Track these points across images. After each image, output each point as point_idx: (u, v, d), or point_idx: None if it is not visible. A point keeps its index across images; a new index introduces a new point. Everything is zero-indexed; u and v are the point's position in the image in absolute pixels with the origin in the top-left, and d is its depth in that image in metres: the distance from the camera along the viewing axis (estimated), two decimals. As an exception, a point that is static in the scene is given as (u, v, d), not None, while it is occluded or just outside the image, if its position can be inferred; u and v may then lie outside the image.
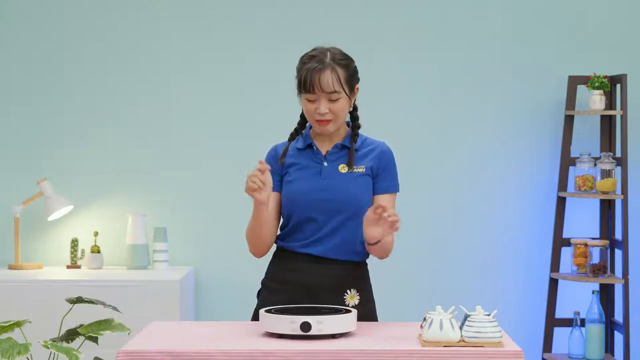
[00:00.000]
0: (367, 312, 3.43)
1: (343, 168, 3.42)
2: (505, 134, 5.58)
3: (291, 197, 3.41)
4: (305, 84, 3.33)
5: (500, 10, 5.57)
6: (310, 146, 3.45)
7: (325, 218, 3.39)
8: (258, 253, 3.46)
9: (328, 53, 3.37)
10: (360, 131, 3.49)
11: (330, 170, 3.42)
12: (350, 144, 3.44)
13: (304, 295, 3.39)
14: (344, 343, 2.98)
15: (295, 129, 3.50)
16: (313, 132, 3.47)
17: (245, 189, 3.25)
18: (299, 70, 3.39)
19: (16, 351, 3.41)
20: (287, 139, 3.51)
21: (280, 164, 3.45)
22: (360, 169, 3.43)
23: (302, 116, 3.48)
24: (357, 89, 3.45)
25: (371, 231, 3.25)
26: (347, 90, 3.37)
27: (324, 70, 3.32)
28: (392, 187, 3.46)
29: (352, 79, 3.40)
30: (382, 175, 3.44)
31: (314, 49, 3.41)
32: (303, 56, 3.41)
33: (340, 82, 3.34)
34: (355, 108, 3.48)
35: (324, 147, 3.45)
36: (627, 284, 5.24)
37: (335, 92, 3.33)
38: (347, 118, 3.48)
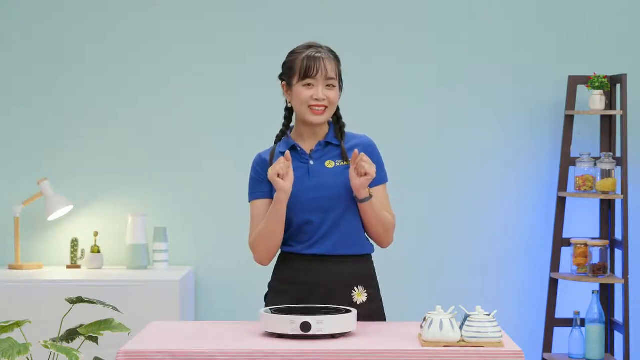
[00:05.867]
0: (375, 310, 3.44)
1: (330, 164, 3.43)
2: (505, 134, 5.58)
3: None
4: (309, 69, 3.38)
5: (500, 10, 5.57)
6: (294, 147, 3.46)
7: (322, 217, 3.39)
8: (267, 259, 3.44)
9: (322, 46, 3.45)
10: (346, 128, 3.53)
11: (318, 167, 3.43)
12: (339, 140, 3.45)
13: (311, 294, 3.39)
14: (344, 343, 2.98)
15: (281, 130, 3.52)
16: (294, 133, 3.49)
17: (269, 174, 3.29)
18: (295, 59, 3.42)
19: (16, 351, 3.41)
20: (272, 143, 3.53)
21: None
22: (347, 163, 3.43)
23: (286, 117, 3.51)
24: (341, 88, 3.49)
25: (354, 183, 3.32)
26: (339, 83, 3.44)
27: (325, 58, 3.40)
28: (382, 179, 3.48)
29: (341, 74, 3.46)
30: None
31: (306, 43, 3.46)
32: (295, 49, 3.46)
33: (337, 72, 3.42)
34: (337, 108, 3.50)
35: (307, 147, 3.46)
36: (627, 284, 5.24)
37: (333, 78, 3.40)
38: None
